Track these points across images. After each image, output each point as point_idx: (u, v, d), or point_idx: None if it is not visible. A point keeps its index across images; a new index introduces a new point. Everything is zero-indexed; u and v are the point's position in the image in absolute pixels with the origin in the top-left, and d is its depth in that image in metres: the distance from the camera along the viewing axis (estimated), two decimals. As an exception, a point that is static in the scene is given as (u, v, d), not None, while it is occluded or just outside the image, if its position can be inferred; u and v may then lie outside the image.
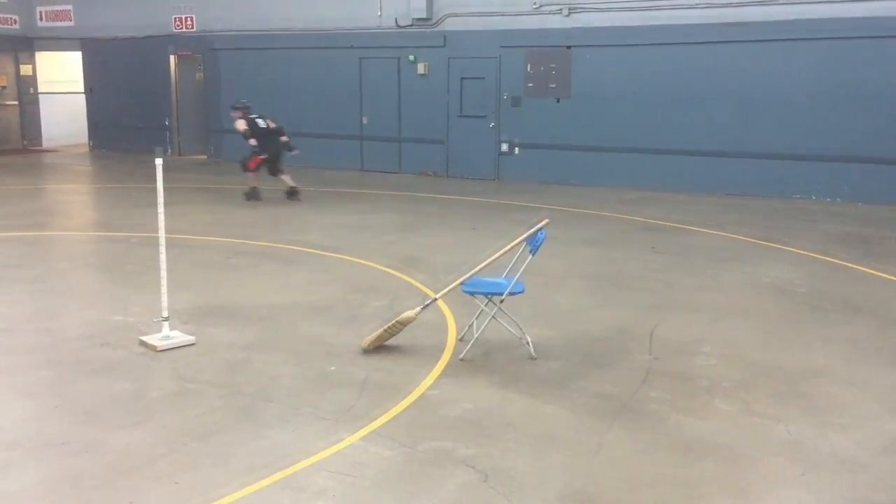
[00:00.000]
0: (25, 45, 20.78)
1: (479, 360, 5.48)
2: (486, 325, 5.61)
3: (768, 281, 7.66)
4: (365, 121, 16.48)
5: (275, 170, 12.47)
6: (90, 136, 20.68)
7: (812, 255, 8.78)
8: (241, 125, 12.24)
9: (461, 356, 5.50)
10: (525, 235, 5.59)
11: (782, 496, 3.75)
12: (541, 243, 5.57)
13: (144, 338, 5.74)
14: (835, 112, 12.37)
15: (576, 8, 14.13)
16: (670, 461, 4.07)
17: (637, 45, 13.66)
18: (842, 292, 7.30)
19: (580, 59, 14.22)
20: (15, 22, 20.66)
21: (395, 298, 6.94)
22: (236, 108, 12.46)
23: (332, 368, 5.32)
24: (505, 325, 5.68)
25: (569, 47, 14.27)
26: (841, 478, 3.92)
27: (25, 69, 20.91)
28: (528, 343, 5.61)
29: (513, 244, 5.65)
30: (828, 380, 5.19)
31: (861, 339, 6.01)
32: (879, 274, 7.93)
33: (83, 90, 20.50)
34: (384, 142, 16.33)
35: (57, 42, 20.51)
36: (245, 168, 12.43)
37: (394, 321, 5.64)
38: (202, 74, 18.81)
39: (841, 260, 8.51)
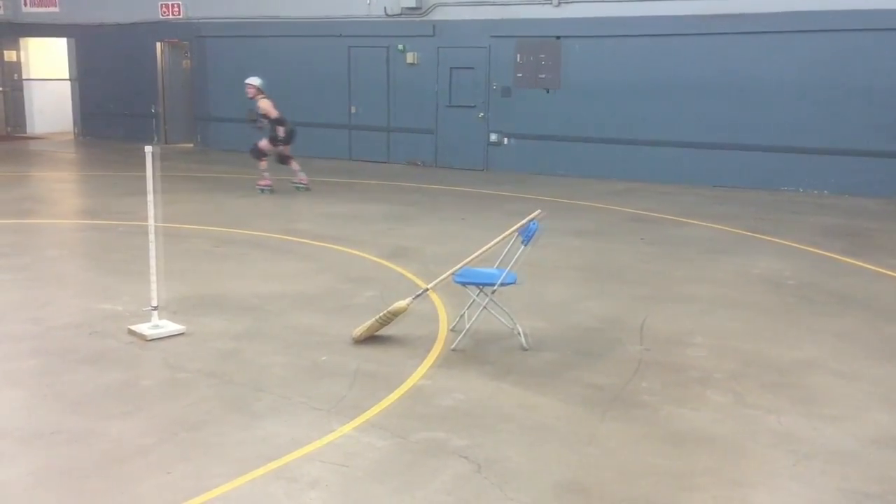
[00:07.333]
0: (10, 31, 20.55)
1: (471, 351, 5.47)
2: (478, 316, 5.60)
3: (758, 273, 7.69)
4: (354, 110, 16.40)
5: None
6: (76, 124, 20.50)
7: (801, 247, 8.81)
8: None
9: (453, 347, 5.49)
10: (517, 226, 5.58)
11: (774, 487, 3.77)
12: (534, 234, 5.56)
13: (133, 327, 5.70)
14: (822, 105, 12.41)
15: (566, -2, 14.12)
16: (663, 452, 4.08)
17: (627, 36, 13.65)
18: (831, 284, 7.33)
19: (570, 50, 14.20)
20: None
21: (385, 289, 6.91)
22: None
23: (324, 358, 5.30)
24: (497, 315, 5.67)
25: (559, 38, 14.24)
26: (832, 469, 3.93)
27: (10, 55, 20.68)
28: (520, 334, 5.61)
29: (505, 234, 5.64)
30: (819, 371, 5.22)
31: (851, 331, 6.04)
32: (868, 266, 7.97)
33: (69, 77, 20.31)
34: (373, 131, 16.26)
35: (42, 28, 20.30)
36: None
37: (385, 311, 5.62)
38: (189, 62, 18.66)
39: (830, 252, 8.55)
